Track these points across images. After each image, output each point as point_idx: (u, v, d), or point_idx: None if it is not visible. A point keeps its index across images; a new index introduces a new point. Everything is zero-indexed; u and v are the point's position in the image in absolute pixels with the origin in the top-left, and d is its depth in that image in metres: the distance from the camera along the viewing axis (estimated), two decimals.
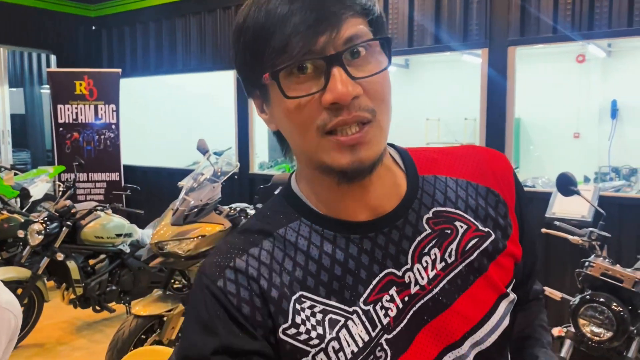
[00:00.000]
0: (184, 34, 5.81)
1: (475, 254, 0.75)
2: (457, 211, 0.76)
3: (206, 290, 0.70)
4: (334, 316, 0.70)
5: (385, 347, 0.70)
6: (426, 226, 0.74)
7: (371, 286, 0.71)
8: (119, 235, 3.84)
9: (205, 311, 0.70)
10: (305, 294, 0.71)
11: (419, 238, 0.74)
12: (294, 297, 0.70)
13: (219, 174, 3.25)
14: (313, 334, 0.70)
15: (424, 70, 7.13)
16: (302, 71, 0.64)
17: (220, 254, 0.74)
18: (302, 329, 0.70)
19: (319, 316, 0.70)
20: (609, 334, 2.13)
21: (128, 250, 3.86)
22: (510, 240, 0.78)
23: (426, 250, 0.73)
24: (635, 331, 2.16)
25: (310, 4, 0.63)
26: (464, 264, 0.74)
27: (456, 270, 0.74)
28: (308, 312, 0.70)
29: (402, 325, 0.71)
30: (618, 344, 2.14)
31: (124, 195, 5.00)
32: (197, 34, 5.70)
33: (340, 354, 0.69)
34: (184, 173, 3.58)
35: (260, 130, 5.47)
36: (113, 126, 5.83)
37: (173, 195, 3.26)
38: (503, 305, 0.75)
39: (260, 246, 0.73)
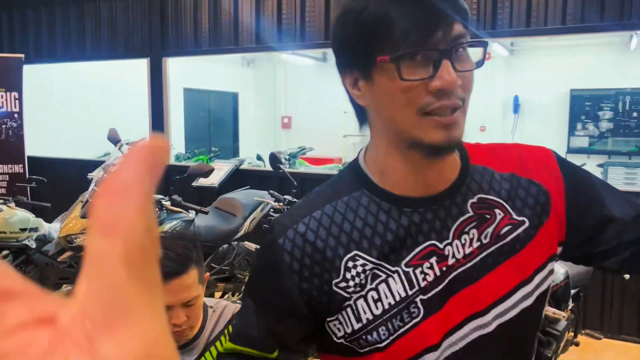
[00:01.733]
0: (94, 19, 5.55)
1: (507, 239, 0.86)
2: (498, 199, 0.87)
3: (269, 243, 0.86)
4: (377, 272, 0.83)
5: (420, 305, 0.83)
6: (470, 209, 0.86)
7: (413, 252, 0.84)
8: (23, 230, 3.63)
9: (263, 263, 0.89)
10: (359, 253, 0.84)
11: (461, 218, 0.85)
12: (348, 255, 0.84)
13: None
14: (357, 286, 0.83)
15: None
16: (413, 58, 0.74)
17: (291, 213, 0.90)
18: (351, 282, 0.83)
19: (368, 272, 0.83)
20: None
21: (34, 246, 3.66)
22: (544, 228, 0.88)
23: (466, 229, 0.85)
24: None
25: (430, 2, 0.75)
26: (496, 246, 0.86)
27: (489, 251, 0.86)
28: (360, 269, 0.84)
29: (436, 289, 0.84)
30: None
31: (28, 188, 4.72)
32: (108, 20, 5.46)
33: (378, 304, 0.83)
34: (94, 164, 3.45)
35: (177, 121, 5.34)
36: (16, 115, 5.46)
37: (83, 187, 3.14)
38: (523, 290, 0.87)
39: (323, 210, 0.86)
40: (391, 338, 0.84)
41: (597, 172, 6.12)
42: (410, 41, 0.73)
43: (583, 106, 6.55)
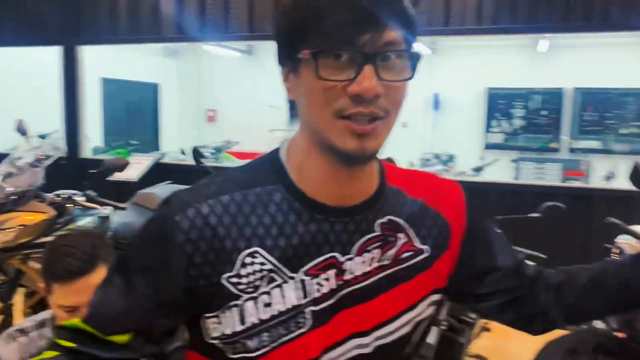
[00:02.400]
0: None
1: (405, 264, 0.86)
2: (405, 224, 0.87)
3: (162, 218, 0.78)
4: (274, 275, 0.79)
5: (308, 316, 0.81)
6: (377, 228, 0.84)
7: (314, 262, 0.80)
8: None
9: (149, 239, 0.80)
10: (260, 250, 0.79)
11: (368, 236, 0.84)
12: (248, 250, 0.78)
13: (43, 158, 2.97)
14: (250, 285, 0.78)
15: (267, 56, 7.21)
16: (337, 58, 0.71)
17: (193, 191, 0.81)
18: (245, 280, 0.78)
19: (265, 273, 0.79)
20: None
21: None
22: (440, 261, 0.89)
23: (369, 248, 0.84)
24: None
25: (364, 3, 0.71)
26: (393, 270, 0.86)
27: (386, 273, 0.85)
28: (257, 267, 0.78)
29: (328, 302, 0.82)
30: None
31: None
32: (15, 1, 5.09)
33: (268, 309, 0.79)
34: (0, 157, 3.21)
35: (95, 113, 5.09)
36: None
37: None
38: (406, 317, 0.89)
39: (232, 195, 0.80)
40: (271, 346, 0.80)
41: (511, 167, 6.47)
42: (335, 39, 0.70)
43: (498, 104, 6.89)
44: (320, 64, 0.71)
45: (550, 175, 6.23)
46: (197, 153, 3.39)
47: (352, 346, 0.85)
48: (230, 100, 7.75)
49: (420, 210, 0.89)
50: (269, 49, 7.52)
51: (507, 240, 1.02)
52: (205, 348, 0.82)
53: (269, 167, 0.83)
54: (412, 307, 0.89)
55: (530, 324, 1.00)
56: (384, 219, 0.85)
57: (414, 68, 0.75)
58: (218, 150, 5.97)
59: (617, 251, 2.75)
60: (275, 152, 0.85)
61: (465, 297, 1.00)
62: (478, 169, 5.32)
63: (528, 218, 2.63)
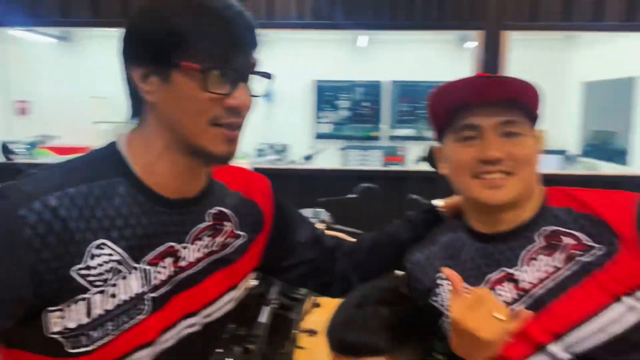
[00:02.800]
0: None
1: (228, 249, 1.00)
2: (230, 213, 1.00)
3: (3, 212, 0.74)
4: (120, 267, 0.83)
5: (147, 302, 0.87)
6: (208, 218, 0.96)
7: (155, 252, 0.87)
8: None
9: None
10: (107, 242, 0.81)
11: (200, 225, 0.94)
12: (95, 242, 0.80)
13: None
14: (100, 277, 0.81)
15: (88, 43, 6.70)
16: (222, 74, 0.81)
17: (36, 183, 0.79)
18: (94, 272, 0.80)
19: (112, 264, 0.82)
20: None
21: None
22: (255, 243, 1.06)
23: (201, 236, 0.93)
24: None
25: (239, 26, 0.82)
26: (220, 255, 0.97)
27: (213, 257, 0.96)
28: (106, 258, 0.81)
29: (164, 289, 0.89)
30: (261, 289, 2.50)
31: None
32: None
33: (114, 299, 0.83)
34: None
35: None
36: None
37: None
38: (230, 295, 1.00)
39: (77, 188, 0.80)
40: (113, 334, 0.83)
41: (339, 155, 6.88)
42: (217, 57, 0.80)
43: (326, 96, 7.26)
44: (207, 77, 0.79)
45: (373, 161, 6.75)
46: (6, 149, 3.08)
47: (184, 326, 0.93)
48: (45, 90, 7.05)
49: (239, 200, 1.03)
50: (89, 36, 6.99)
51: (306, 218, 1.19)
52: (39, 345, 0.78)
53: (109, 161, 0.86)
54: (234, 287, 1.01)
55: (331, 288, 1.16)
56: (214, 210, 0.97)
57: (267, 86, 0.92)
58: (32, 145, 5.41)
59: None
60: (112, 145, 0.88)
61: (275, 271, 1.15)
62: (308, 157, 5.58)
63: (347, 199, 2.86)
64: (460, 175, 0.98)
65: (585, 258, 0.93)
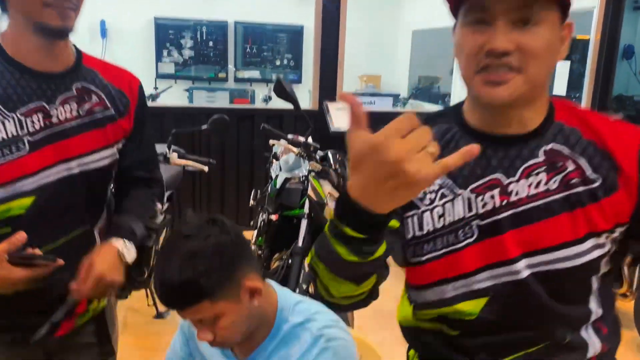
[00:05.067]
0: None
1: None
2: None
3: None
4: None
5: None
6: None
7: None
8: None
9: None
10: None
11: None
12: None
13: None
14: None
15: None
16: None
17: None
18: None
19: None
20: None
21: None
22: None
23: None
24: None
25: None
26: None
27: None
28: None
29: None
30: None
31: None
32: None
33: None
34: None
35: None
36: None
37: None
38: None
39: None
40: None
41: (184, 96, 6.70)
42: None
43: (167, 34, 6.94)
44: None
45: (220, 103, 6.72)
46: None
47: (63, 168, 1.19)
48: None
49: (110, 87, 1.20)
50: None
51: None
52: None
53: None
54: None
55: None
56: (79, 84, 1.19)
57: None
58: None
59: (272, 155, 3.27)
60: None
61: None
62: (155, 97, 5.38)
63: (200, 130, 2.89)
64: (465, 68, 0.87)
65: (582, 189, 0.87)
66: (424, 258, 0.94)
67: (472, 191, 0.91)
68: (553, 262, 0.88)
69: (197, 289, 1.03)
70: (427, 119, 0.95)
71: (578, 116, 0.93)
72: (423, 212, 0.94)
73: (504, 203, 0.90)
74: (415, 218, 0.94)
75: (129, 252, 1.28)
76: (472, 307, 0.92)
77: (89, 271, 1.20)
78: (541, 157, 0.90)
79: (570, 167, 0.88)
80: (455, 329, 0.96)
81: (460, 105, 0.98)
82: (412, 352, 1.10)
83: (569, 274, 0.88)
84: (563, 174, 0.88)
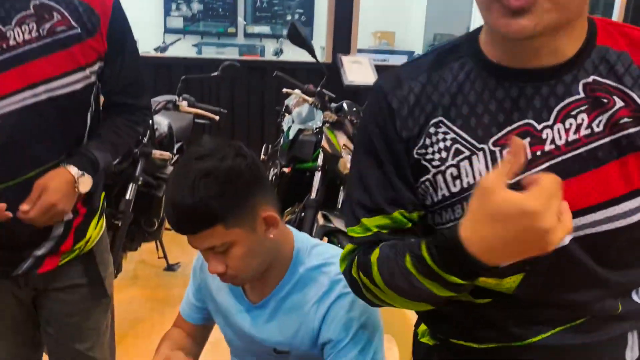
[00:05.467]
0: None
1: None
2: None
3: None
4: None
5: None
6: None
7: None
8: None
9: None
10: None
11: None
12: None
13: None
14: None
15: None
16: None
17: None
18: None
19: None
20: None
21: None
22: None
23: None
24: (138, 152, 2.47)
25: None
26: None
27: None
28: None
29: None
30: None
31: None
32: None
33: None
34: None
35: None
36: None
37: None
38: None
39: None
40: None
41: (193, 51, 6.57)
42: None
43: None
44: None
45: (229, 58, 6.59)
46: None
47: (29, 95, 1.07)
48: None
49: (75, 2, 1.03)
50: None
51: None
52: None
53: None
54: (77, 70, 0.99)
55: None
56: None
57: None
58: None
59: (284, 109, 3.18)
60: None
61: None
62: (163, 49, 5.25)
63: (210, 77, 2.80)
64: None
65: (635, 129, 0.70)
66: (444, 228, 0.78)
67: (495, 144, 0.73)
68: (601, 222, 0.71)
69: (209, 211, 0.96)
70: (436, 60, 0.81)
71: (628, 36, 0.74)
72: (435, 175, 0.77)
73: (537, 154, 0.72)
74: (428, 184, 0.78)
75: (85, 183, 1.20)
76: (506, 285, 0.76)
77: (40, 196, 1.13)
78: (580, 94, 0.72)
79: (619, 103, 0.71)
80: (483, 297, 0.80)
81: (476, 33, 0.79)
82: (422, 327, 0.96)
83: (620, 235, 0.72)
84: (609, 112, 0.71)
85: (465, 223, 0.64)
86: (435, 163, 0.76)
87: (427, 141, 0.77)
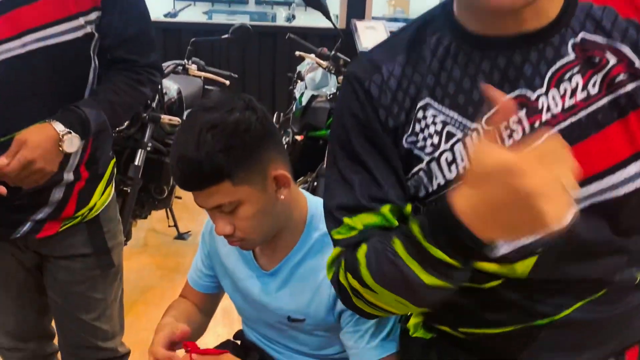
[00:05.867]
0: None
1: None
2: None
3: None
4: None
5: None
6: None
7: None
8: None
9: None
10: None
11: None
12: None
13: None
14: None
15: None
16: None
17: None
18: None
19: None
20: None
21: None
22: None
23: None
24: (146, 117, 2.41)
25: None
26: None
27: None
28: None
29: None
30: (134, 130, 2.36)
31: None
32: None
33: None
34: None
35: None
36: None
37: None
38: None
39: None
40: None
41: (204, 19, 6.45)
42: None
43: None
44: None
45: None
46: None
47: (4, 49, 0.96)
48: None
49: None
50: None
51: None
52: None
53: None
54: (61, 21, 0.93)
55: None
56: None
57: None
58: None
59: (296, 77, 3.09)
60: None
61: None
62: (173, 15, 5.16)
63: (221, 39, 2.71)
64: None
65: (633, 85, 0.66)
66: None
67: (488, 122, 0.67)
68: (611, 188, 0.67)
69: (216, 165, 0.90)
70: (411, 38, 0.75)
71: None
72: (428, 162, 0.71)
73: (535, 125, 0.67)
74: (422, 174, 0.72)
75: (71, 142, 1.09)
76: (519, 270, 0.71)
77: (19, 150, 1.02)
78: (571, 54, 0.67)
79: (612, 60, 0.66)
80: (493, 280, 0.74)
81: (449, 5, 0.73)
82: (413, 321, 0.90)
83: (631, 200, 0.68)
84: (604, 71, 0.66)
85: (456, 190, 0.60)
86: (428, 150, 0.71)
87: (417, 127, 0.72)
